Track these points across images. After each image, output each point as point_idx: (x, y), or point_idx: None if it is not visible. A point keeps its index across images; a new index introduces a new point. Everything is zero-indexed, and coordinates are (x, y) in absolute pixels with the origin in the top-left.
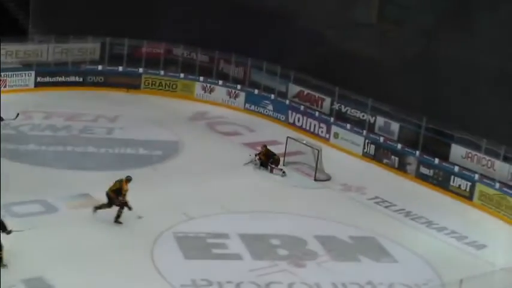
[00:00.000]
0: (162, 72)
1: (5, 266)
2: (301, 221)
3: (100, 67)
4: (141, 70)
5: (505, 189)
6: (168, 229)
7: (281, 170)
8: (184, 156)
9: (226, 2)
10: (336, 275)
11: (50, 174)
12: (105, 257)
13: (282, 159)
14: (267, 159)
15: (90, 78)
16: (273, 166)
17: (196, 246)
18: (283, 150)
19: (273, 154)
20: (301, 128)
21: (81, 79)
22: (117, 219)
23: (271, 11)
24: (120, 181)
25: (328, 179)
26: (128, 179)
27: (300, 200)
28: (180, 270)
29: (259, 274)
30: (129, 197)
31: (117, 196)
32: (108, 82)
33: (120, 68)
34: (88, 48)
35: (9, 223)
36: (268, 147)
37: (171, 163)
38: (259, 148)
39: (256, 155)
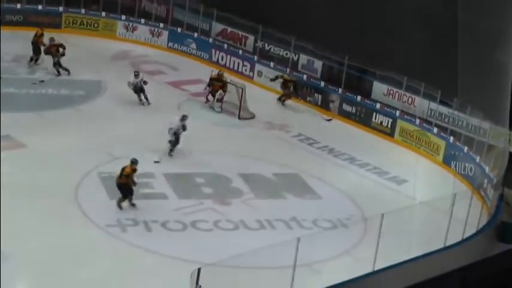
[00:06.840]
0: (83, 11)
1: None
2: (226, 159)
3: (19, 6)
4: (61, 9)
5: (425, 125)
6: (93, 170)
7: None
8: (107, 96)
9: None
10: (260, 212)
11: None
12: (31, 200)
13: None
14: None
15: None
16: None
17: None
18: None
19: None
20: (224, 67)
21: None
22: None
23: None
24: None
25: (252, 117)
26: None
27: (224, 139)
28: (106, 210)
29: (184, 213)
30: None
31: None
32: (27, 21)
33: (40, 7)
34: None
35: None
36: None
37: (95, 103)
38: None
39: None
